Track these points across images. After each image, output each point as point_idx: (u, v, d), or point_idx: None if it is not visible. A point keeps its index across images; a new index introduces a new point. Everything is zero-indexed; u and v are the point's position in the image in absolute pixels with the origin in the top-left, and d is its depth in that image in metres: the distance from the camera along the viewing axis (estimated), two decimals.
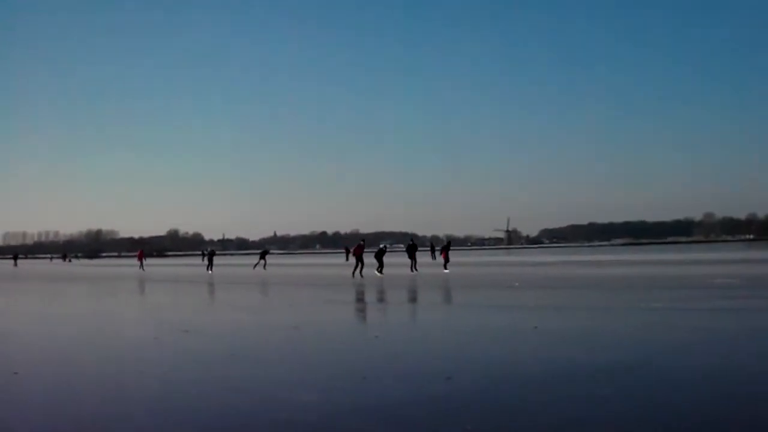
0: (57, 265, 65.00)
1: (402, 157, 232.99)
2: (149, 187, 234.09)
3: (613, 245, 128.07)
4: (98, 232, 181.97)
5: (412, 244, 26.04)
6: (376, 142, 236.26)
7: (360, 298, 15.24)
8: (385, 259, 24.24)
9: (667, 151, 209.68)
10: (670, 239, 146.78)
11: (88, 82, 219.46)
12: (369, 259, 24.30)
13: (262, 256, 36.10)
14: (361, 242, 25.18)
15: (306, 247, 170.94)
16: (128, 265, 56.92)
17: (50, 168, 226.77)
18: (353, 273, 23.20)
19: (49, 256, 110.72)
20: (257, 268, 34.16)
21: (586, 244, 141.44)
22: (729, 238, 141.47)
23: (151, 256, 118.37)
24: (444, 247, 27.83)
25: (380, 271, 23.26)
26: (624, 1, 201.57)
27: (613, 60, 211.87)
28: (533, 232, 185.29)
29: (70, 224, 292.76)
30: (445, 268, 25.43)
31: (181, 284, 24.33)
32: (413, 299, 14.97)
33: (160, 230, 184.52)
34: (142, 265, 40.63)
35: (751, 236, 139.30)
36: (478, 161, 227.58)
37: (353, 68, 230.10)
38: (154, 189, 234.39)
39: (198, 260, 69.10)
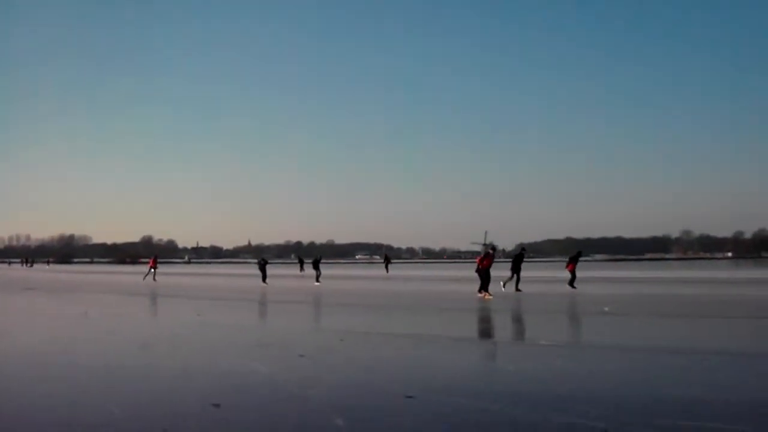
0: (26, 271, 60.00)
1: (376, 168, 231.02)
2: (123, 194, 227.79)
3: (596, 261, 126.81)
4: (71, 237, 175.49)
5: (520, 254, 20.87)
6: (350, 153, 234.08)
7: (481, 333, 10.91)
8: (431, 272, 20.53)
9: (644, 167, 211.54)
10: (648, 255, 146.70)
11: (62, 88, 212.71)
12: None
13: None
14: (490, 251, 18.51)
15: (281, 257, 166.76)
16: (116, 272, 52.50)
17: (24, 171, 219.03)
18: (481, 290, 17.75)
19: (18, 260, 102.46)
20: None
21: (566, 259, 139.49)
22: (707, 255, 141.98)
23: (125, 263, 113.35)
24: (572, 258, 22.02)
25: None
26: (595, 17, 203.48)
27: (592, 75, 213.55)
28: (509, 246, 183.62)
29: (43, 229, 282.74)
30: (573, 286, 20.64)
31: (207, 303, 17.78)
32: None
33: (134, 237, 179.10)
34: (153, 274, 32.07)
35: (730, 254, 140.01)
36: (454, 174, 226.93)
37: (327, 78, 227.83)
38: (128, 195, 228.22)
39: (196, 268, 65.03)
